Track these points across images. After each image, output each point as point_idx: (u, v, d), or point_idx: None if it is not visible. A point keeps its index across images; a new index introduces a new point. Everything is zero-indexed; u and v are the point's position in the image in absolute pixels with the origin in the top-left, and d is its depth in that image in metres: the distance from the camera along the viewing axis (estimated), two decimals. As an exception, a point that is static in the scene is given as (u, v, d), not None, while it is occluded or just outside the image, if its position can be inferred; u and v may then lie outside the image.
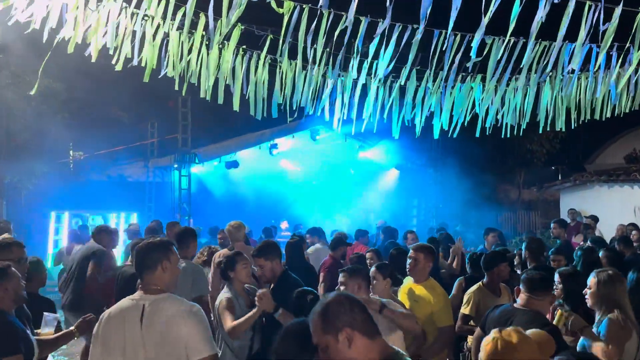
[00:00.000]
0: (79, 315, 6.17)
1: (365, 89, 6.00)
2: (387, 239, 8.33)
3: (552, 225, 9.31)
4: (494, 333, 2.20)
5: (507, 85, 5.69)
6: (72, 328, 3.72)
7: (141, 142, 15.02)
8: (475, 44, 4.62)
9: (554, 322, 3.99)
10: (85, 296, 6.20)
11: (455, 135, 6.06)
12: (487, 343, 2.19)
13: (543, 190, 16.63)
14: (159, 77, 5.15)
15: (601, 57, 5.20)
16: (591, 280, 3.68)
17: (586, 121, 6.39)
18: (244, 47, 5.41)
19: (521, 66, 5.34)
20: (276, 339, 2.68)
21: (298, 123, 13.34)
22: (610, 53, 5.48)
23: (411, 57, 5.01)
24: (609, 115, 6.21)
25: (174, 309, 2.84)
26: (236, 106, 5.23)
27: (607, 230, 10.48)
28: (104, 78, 11.78)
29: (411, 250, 4.84)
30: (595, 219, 11.38)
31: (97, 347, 2.86)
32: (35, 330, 3.80)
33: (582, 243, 9.93)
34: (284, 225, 15.78)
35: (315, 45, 5.04)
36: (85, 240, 8.88)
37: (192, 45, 5.02)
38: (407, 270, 4.79)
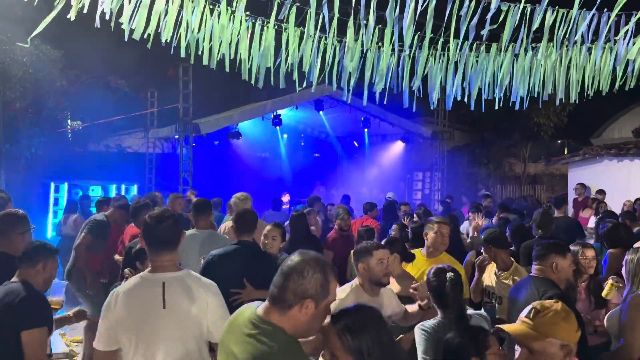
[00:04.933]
0: (73, 284, 6.20)
1: (368, 56, 5.86)
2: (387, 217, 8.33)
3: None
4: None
5: (525, 54, 5.56)
6: (70, 313, 3.71)
7: (141, 112, 14.84)
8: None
9: (604, 293, 4.06)
10: (76, 268, 6.17)
11: (487, 109, 5.96)
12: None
13: (551, 164, 16.52)
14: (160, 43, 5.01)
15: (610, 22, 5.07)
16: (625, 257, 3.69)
17: (601, 92, 6.28)
18: (248, 13, 5.25)
19: (535, 32, 5.22)
20: None
21: (302, 93, 13.15)
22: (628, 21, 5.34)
23: (429, 25, 4.86)
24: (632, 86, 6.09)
25: (197, 287, 2.76)
26: (245, 75, 5.11)
27: (615, 205, 10.42)
28: (103, 45, 11.59)
29: (440, 224, 4.78)
30: (602, 193, 11.32)
31: (107, 328, 2.73)
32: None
33: (590, 217, 9.93)
34: (285, 198, 15.72)
35: (322, 11, 4.91)
36: (85, 210, 8.85)
37: (194, 10, 4.88)
38: (431, 246, 4.73)
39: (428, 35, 5.09)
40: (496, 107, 6.00)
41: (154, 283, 2.74)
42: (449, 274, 3.11)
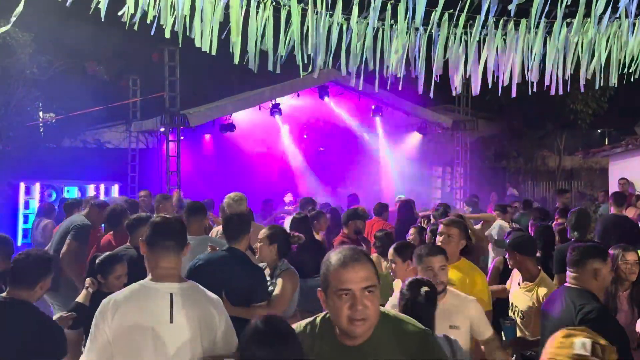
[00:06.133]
0: (58, 296, 6.25)
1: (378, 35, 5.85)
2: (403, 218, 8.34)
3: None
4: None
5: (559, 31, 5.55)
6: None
7: (122, 102, 14.90)
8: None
9: None
10: (62, 277, 6.22)
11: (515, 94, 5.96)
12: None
13: (590, 156, 16.46)
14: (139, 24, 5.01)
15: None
16: None
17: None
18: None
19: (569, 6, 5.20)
20: None
21: (304, 79, 13.14)
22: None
23: None
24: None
25: (206, 301, 2.85)
26: (237, 59, 5.12)
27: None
28: (78, 27, 11.62)
29: (443, 226, 4.79)
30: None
31: (101, 342, 2.70)
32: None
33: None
34: (287, 198, 15.75)
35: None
36: (62, 215, 8.88)
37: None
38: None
39: (440, 7, 5.08)
40: (529, 93, 5.99)
41: (160, 294, 2.77)
42: (424, 288, 3.24)
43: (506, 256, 4.90)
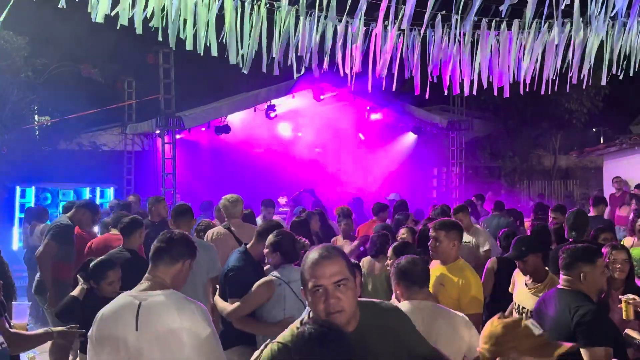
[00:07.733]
0: (43, 299, 6.25)
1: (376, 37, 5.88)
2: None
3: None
4: None
5: (549, 31, 5.58)
6: (55, 329, 3.69)
7: (117, 105, 14.89)
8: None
9: (624, 316, 4.01)
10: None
11: (510, 94, 5.99)
12: None
13: (584, 155, 16.49)
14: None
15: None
16: None
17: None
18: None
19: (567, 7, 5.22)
20: None
21: (299, 81, 13.16)
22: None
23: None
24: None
25: (177, 309, 2.85)
26: (233, 59, 5.13)
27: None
28: (73, 30, 11.61)
29: (431, 229, 4.80)
30: (642, 188, 11.34)
31: (92, 351, 2.89)
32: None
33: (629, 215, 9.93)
34: (281, 200, 15.75)
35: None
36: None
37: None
38: (430, 251, 4.77)
39: (430, 9, 5.10)
40: (521, 92, 6.01)
41: (132, 303, 2.86)
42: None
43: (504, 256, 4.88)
